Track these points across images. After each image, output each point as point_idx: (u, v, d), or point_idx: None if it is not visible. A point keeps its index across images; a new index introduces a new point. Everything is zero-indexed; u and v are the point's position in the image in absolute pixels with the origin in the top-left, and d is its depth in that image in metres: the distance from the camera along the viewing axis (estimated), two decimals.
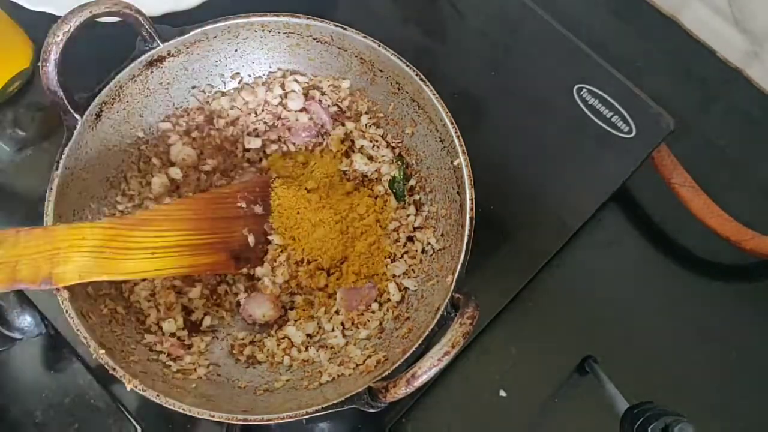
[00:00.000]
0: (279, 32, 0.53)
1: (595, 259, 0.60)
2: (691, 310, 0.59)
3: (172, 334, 0.49)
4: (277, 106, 0.56)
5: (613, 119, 0.60)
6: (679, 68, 0.69)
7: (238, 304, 0.52)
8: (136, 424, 0.52)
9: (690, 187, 0.59)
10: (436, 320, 0.43)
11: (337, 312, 0.51)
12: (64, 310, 0.42)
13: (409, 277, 0.51)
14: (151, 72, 0.51)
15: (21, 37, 0.60)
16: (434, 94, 0.49)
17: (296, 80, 0.55)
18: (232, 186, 0.54)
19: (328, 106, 0.56)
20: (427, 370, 0.38)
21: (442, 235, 0.50)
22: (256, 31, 0.52)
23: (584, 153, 0.60)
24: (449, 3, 0.66)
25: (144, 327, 0.49)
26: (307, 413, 0.41)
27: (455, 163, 0.49)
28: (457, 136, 0.48)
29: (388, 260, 0.53)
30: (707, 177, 0.60)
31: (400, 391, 0.39)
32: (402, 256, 0.52)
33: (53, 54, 0.44)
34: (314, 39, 0.53)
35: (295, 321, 0.52)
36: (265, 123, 0.56)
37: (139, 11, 0.47)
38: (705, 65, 0.69)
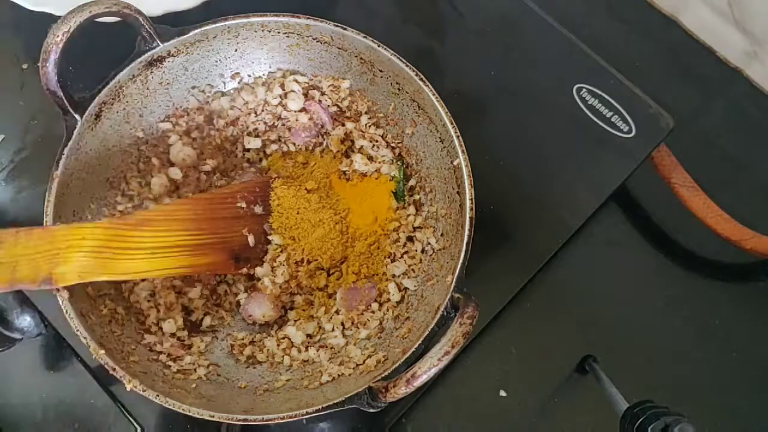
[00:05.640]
0: (279, 32, 0.53)
1: (595, 259, 0.60)
2: (691, 310, 0.59)
3: (172, 335, 0.49)
4: (277, 106, 0.56)
5: (612, 119, 0.60)
6: (679, 68, 0.69)
7: (238, 304, 0.52)
8: (136, 424, 0.52)
9: (690, 187, 0.59)
10: (436, 320, 0.43)
11: (337, 312, 0.51)
12: (64, 311, 0.42)
13: (409, 277, 0.51)
14: (151, 72, 0.51)
15: None
16: (434, 94, 0.49)
17: (296, 80, 0.55)
18: (232, 186, 0.54)
19: (328, 106, 0.56)
20: (427, 370, 0.38)
21: (441, 235, 0.50)
22: (256, 31, 0.52)
23: (584, 153, 0.60)
24: (449, 3, 0.66)
25: (144, 327, 0.49)
26: (307, 413, 0.41)
27: (455, 163, 0.49)
28: (457, 136, 0.48)
29: (388, 260, 0.52)
30: (707, 177, 0.60)
31: (400, 391, 0.39)
32: (402, 256, 0.52)
33: (53, 54, 0.43)
34: (314, 39, 0.53)
35: (295, 321, 0.52)
36: (265, 123, 0.56)
37: (138, 11, 0.47)
38: (705, 65, 0.69)
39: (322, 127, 0.56)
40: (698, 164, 0.61)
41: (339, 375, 0.47)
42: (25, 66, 0.63)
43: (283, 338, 0.51)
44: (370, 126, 0.55)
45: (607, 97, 0.61)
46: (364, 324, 0.50)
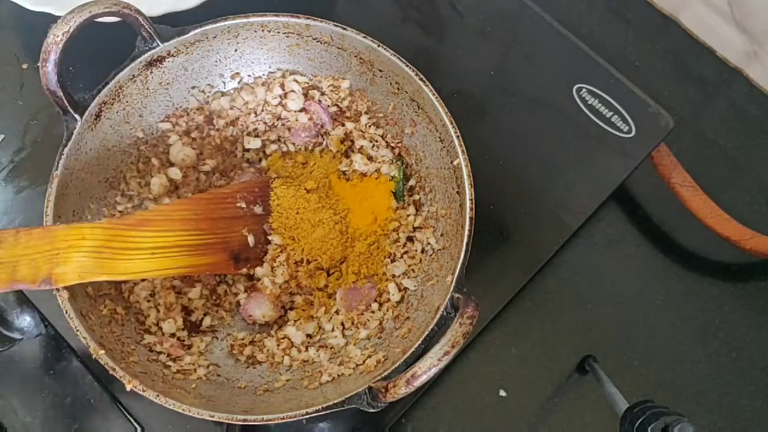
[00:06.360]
0: (279, 32, 0.53)
1: (594, 259, 0.60)
2: (691, 310, 0.59)
3: (172, 335, 0.49)
4: (276, 106, 0.56)
5: (612, 119, 0.60)
6: (679, 68, 0.69)
7: (238, 304, 0.52)
8: (136, 424, 0.52)
9: (689, 187, 0.59)
10: (435, 320, 0.43)
11: (336, 312, 0.51)
12: (64, 311, 0.42)
13: (408, 277, 0.51)
14: (151, 72, 0.51)
15: None
16: (434, 94, 0.49)
17: (296, 80, 0.55)
18: (231, 186, 0.54)
19: (328, 106, 0.56)
20: (427, 370, 0.38)
21: (441, 235, 0.50)
22: (255, 31, 0.52)
23: (584, 153, 0.60)
24: (449, 3, 0.66)
25: (144, 327, 0.49)
26: (307, 413, 0.41)
27: (455, 162, 0.49)
28: (457, 136, 0.48)
29: (388, 260, 0.52)
30: (707, 177, 0.60)
31: (400, 391, 0.39)
32: (402, 256, 0.52)
33: (53, 54, 0.44)
34: (314, 39, 0.53)
35: (295, 321, 0.52)
36: (264, 123, 0.56)
37: (138, 11, 0.47)
38: (704, 65, 0.69)
39: (322, 127, 0.56)
40: (698, 164, 0.61)
41: (339, 375, 0.47)
42: (25, 66, 0.63)
43: (283, 338, 0.51)
44: (369, 126, 0.55)
45: (607, 97, 0.61)
46: (364, 324, 0.50)
